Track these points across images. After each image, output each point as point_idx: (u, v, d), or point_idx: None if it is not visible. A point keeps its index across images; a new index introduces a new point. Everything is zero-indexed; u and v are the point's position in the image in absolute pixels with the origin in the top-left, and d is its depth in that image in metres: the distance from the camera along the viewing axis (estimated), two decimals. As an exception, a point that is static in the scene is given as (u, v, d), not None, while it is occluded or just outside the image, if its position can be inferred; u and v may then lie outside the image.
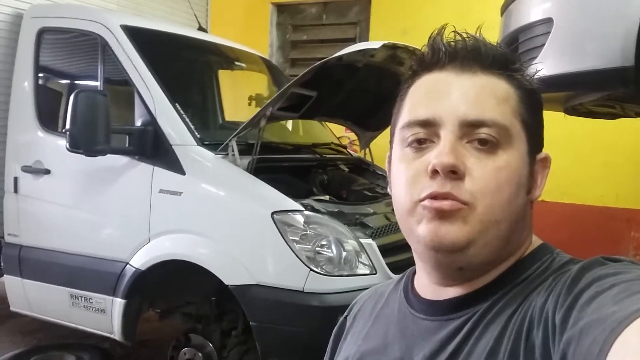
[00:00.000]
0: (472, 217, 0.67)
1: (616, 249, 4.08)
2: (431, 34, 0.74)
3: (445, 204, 0.67)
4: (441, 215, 0.67)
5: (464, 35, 0.72)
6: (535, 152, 0.73)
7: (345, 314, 0.94)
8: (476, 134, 0.68)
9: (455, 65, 0.71)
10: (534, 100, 0.73)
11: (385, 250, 2.68)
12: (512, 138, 0.69)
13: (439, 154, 0.67)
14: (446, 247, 0.67)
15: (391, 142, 0.78)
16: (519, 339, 0.63)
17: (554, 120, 2.67)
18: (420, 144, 0.70)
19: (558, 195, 4.31)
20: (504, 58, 0.73)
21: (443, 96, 0.70)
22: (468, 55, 0.71)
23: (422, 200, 0.68)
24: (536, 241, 0.76)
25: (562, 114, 2.38)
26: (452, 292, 0.73)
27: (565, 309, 0.58)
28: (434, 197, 0.67)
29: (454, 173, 0.66)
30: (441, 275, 0.73)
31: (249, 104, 4.02)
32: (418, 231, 0.69)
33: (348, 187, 3.26)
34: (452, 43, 0.72)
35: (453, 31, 0.73)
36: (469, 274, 0.71)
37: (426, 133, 0.70)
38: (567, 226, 4.15)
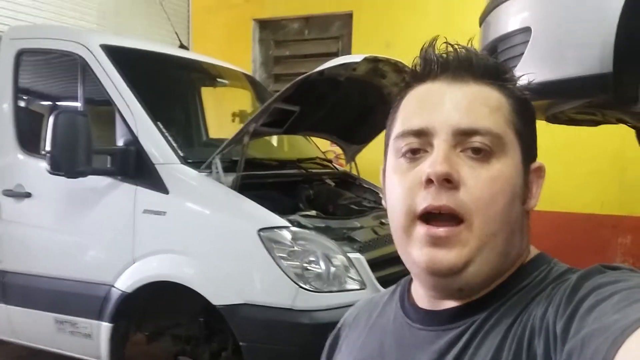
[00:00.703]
0: (469, 236, 0.66)
1: (603, 255, 4.09)
2: (423, 45, 0.74)
3: (440, 232, 0.66)
4: (437, 242, 0.67)
5: (456, 46, 0.72)
6: (529, 161, 0.72)
7: (340, 324, 0.92)
8: (469, 142, 0.67)
9: (448, 75, 0.71)
10: (526, 109, 0.73)
11: (374, 265, 2.66)
12: (506, 147, 0.69)
13: (432, 163, 0.66)
14: (443, 273, 0.67)
15: (385, 153, 0.77)
16: (520, 348, 0.62)
17: (539, 129, 2.70)
18: (414, 154, 0.70)
19: (546, 204, 4.32)
20: (496, 68, 0.73)
21: (436, 106, 0.70)
22: (460, 65, 0.71)
23: (419, 216, 0.68)
24: (533, 250, 0.75)
25: (545, 122, 2.41)
26: (449, 303, 0.73)
27: (566, 318, 0.57)
28: (429, 212, 0.67)
29: (449, 182, 0.66)
30: (439, 295, 0.73)
31: (233, 121, 4.01)
32: (413, 255, 0.69)
33: (335, 201, 3.25)
34: (444, 54, 0.72)
35: (445, 42, 0.73)
36: (468, 292, 0.70)
37: (420, 143, 0.70)
38: (555, 234, 4.16)
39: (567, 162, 4.27)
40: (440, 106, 0.69)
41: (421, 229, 0.68)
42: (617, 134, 2.95)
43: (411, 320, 0.76)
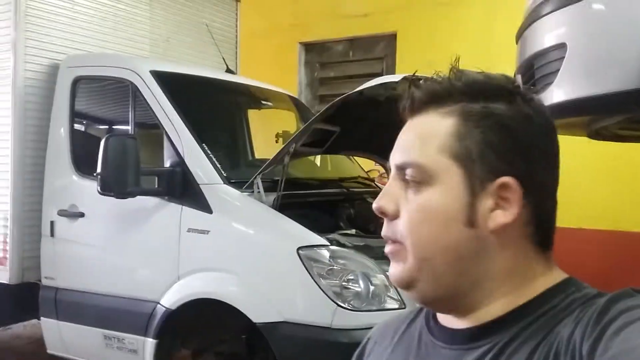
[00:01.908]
0: (407, 256, 0.71)
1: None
2: (409, 84, 0.78)
3: (387, 248, 0.74)
4: (390, 258, 0.74)
5: (437, 76, 0.73)
6: (486, 179, 0.69)
7: (366, 338, 0.93)
8: (404, 175, 0.72)
9: (412, 110, 0.75)
10: (482, 125, 0.69)
11: (413, 284, 2.63)
12: (435, 175, 0.70)
13: (376, 199, 0.75)
14: (398, 285, 0.74)
15: None
16: None
17: (588, 146, 2.63)
18: None
19: (598, 221, 4.18)
20: (469, 88, 0.71)
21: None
22: (423, 98, 0.73)
23: None
24: (560, 274, 0.73)
25: (594, 140, 2.34)
26: (469, 321, 0.73)
27: (593, 340, 0.57)
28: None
29: (385, 215, 0.73)
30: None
31: (277, 141, 4.07)
32: None
33: (375, 220, 3.24)
34: (420, 86, 0.74)
35: (434, 72, 0.75)
36: (447, 307, 0.75)
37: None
38: (606, 253, 4.01)
39: (621, 178, 4.13)
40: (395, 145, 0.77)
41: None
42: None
43: (435, 338, 0.77)
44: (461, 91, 0.71)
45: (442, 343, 0.75)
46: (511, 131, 0.70)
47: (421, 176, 0.70)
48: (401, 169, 0.73)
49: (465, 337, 0.72)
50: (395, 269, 0.73)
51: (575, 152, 3.36)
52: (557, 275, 0.73)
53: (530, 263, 0.72)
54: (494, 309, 0.71)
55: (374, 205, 0.74)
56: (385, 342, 0.86)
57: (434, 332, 0.78)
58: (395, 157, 0.74)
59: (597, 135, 2.10)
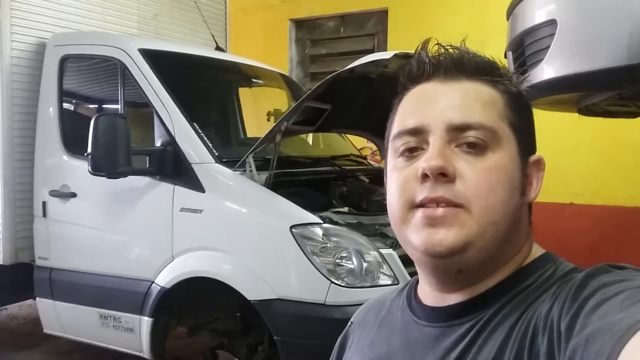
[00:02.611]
0: (469, 219, 0.67)
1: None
2: (416, 48, 0.76)
3: (438, 211, 0.67)
4: (434, 223, 0.68)
5: (448, 47, 0.74)
6: (527, 154, 0.73)
7: (350, 322, 0.94)
8: (464, 137, 0.69)
9: (440, 75, 0.73)
10: (521, 104, 0.74)
11: (406, 260, 2.66)
12: (500, 140, 0.69)
13: (427, 158, 0.68)
14: (442, 253, 0.68)
15: (385, 154, 0.80)
16: (523, 346, 0.62)
17: (581, 123, 2.65)
18: (412, 153, 0.72)
19: (589, 197, 4.22)
20: (488, 65, 0.74)
21: (429, 104, 0.71)
22: (451, 64, 0.73)
23: (416, 206, 0.69)
24: (538, 250, 0.75)
25: (584, 116, 2.35)
26: (453, 298, 0.74)
27: (571, 316, 0.57)
28: (426, 203, 0.68)
29: (444, 176, 0.67)
30: (440, 280, 0.74)
31: (268, 120, 4.06)
32: (412, 239, 0.70)
33: (368, 197, 3.26)
34: (437, 55, 0.74)
35: (437, 44, 0.75)
36: (468, 276, 0.71)
37: (416, 141, 0.71)
38: (599, 228, 4.05)
39: (611, 154, 4.15)
40: (433, 104, 0.71)
41: (419, 213, 0.69)
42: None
43: (417, 317, 0.78)
44: (488, 67, 0.74)
45: (424, 321, 0.76)
46: (531, 113, 0.76)
47: (489, 139, 0.69)
48: (459, 129, 0.69)
49: (447, 315, 0.73)
50: (447, 234, 0.67)
51: (566, 129, 3.38)
52: (535, 251, 0.75)
53: (527, 238, 0.75)
54: (485, 284, 0.72)
55: (432, 164, 0.67)
56: (368, 325, 0.87)
57: (416, 311, 0.79)
58: (450, 116, 0.69)
59: (587, 111, 2.11)
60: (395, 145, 0.74)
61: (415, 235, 0.69)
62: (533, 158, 0.74)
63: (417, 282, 0.82)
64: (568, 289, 0.62)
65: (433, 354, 0.71)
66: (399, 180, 0.72)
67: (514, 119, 0.72)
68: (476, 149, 0.68)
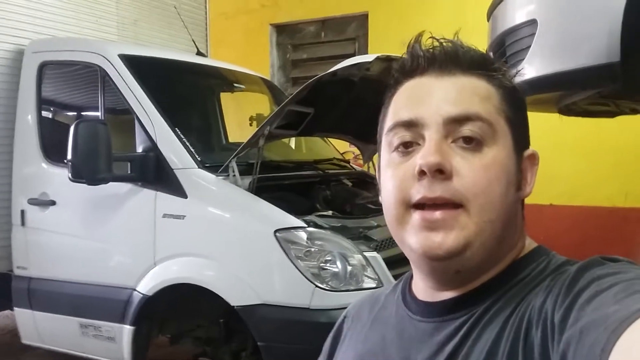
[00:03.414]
0: (468, 221, 0.66)
1: (628, 249, 4.01)
2: (409, 41, 0.74)
3: (436, 215, 0.67)
4: (431, 226, 0.67)
5: (442, 40, 0.73)
6: (522, 149, 0.73)
7: (343, 315, 0.93)
8: (460, 131, 0.68)
9: (435, 69, 0.72)
10: (516, 98, 0.74)
11: (390, 263, 2.66)
12: (497, 134, 0.69)
13: (424, 155, 0.67)
14: (441, 256, 0.67)
15: (378, 149, 0.78)
16: (518, 339, 0.62)
17: (561, 124, 2.67)
18: (407, 148, 0.71)
19: (569, 198, 4.27)
20: (483, 59, 0.73)
21: (425, 98, 0.70)
22: (446, 58, 0.72)
23: (413, 206, 0.68)
24: (531, 243, 0.75)
25: (566, 116, 2.38)
26: (448, 293, 0.73)
27: (565, 309, 0.57)
28: (423, 204, 0.67)
29: (441, 172, 0.66)
30: (437, 281, 0.73)
31: (250, 125, 4.04)
32: (410, 242, 0.69)
33: (351, 201, 3.25)
34: (431, 49, 0.73)
35: (430, 37, 0.74)
36: (466, 276, 0.71)
37: (411, 135, 0.70)
38: (578, 228, 4.10)
39: (590, 154, 4.21)
40: (429, 98, 0.70)
41: (416, 215, 0.68)
42: (639, 125, 2.90)
43: (412, 312, 0.77)
44: (483, 61, 0.73)
45: (418, 317, 0.76)
46: (525, 107, 0.76)
47: (486, 133, 0.68)
48: (456, 122, 0.68)
49: (441, 310, 0.73)
50: (446, 238, 0.66)
51: (547, 131, 3.42)
52: (528, 244, 0.75)
53: (521, 233, 0.75)
54: (480, 280, 0.71)
55: (430, 160, 0.65)
56: (362, 320, 0.87)
57: (410, 306, 0.78)
58: (447, 110, 0.68)
59: (568, 111, 2.13)
60: (389, 138, 0.73)
61: (413, 237, 0.69)
62: (527, 152, 0.74)
63: (412, 277, 0.82)
64: (562, 281, 0.62)
65: (427, 348, 0.71)
66: (394, 178, 0.71)
67: (509, 113, 0.71)
68: (473, 144, 0.68)
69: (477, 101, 0.69)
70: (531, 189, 0.74)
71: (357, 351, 0.82)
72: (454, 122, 0.68)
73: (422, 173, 0.67)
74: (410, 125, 0.70)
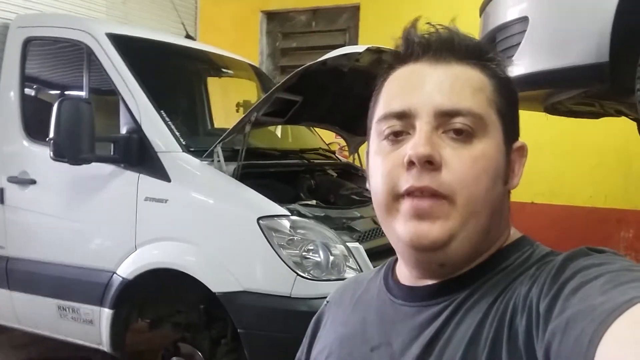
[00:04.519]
0: (452, 212, 0.67)
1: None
2: (405, 27, 0.74)
3: (424, 203, 0.67)
4: (420, 215, 0.67)
5: (438, 27, 0.73)
6: (512, 141, 0.73)
7: (326, 300, 0.93)
8: (451, 124, 0.68)
9: (429, 56, 0.71)
10: (508, 89, 0.73)
11: (372, 254, 2.66)
12: (488, 127, 0.69)
13: (414, 145, 0.66)
14: (426, 246, 0.68)
15: (368, 136, 0.78)
16: (502, 326, 0.62)
17: (544, 123, 2.70)
18: (397, 137, 0.70)
19: (549, 197, 4.31)
20: (478, 48, 0.73)
21: (417, 87, 0.70)
22: (441, 46, 0.71)
23: (401, 195, 0.68)
24: (515, 233, 0.75)
25: (549, 115, 2.39)
26: (432, 280, 0.73)
27: (550, 298, 0.57)
28: (411, 192, 0.67)
29: (430, 164, 0.66)
30: (422, 272, 0.73)
31: (237, 111, 4.02)
32: (397, 230, 0.69)
33: (336, 191, 3.25)
34: (426, 35, 0.72)
35: (427, 23, 0.73)
36: (450, 269, 0.71)
37: (402, 125, 0.70)
38: (557, 227, 4.15)
39: (571, 155, 4.25)
40: (421, 88, 0.69)
41: (406, 203, 0.68)
42: (622, 127, 2.94)
43: (394, 296, 0.77)
44: (479, 50, 0.72)
45: (400, 300, 0.76)
46: (517, 98, 0.75)
47: (476, 126, 0.68)
48: (447, 115, 0.68)
49: (424, 294, 0.73)
50: (432, 227, 0.67)
51: (529, 130, 3.45)
52: (512, 233, 0.75)
53: (507, 223, 0.75)
54: (464, 269, 0.71)
55: (420, 152, 0.65)
56: (344, 303, 0.87)
57: (393, 291, 0.78)
58: (439, 101, 0.68)
59: (553, 110, 2.14)
60: (379, 128, 0.72)
61: (402, 226, 0.69)
62: (516, 144, 0.74)
63: (396, 261, 0.82)
64: (547, 271, 0.62)
65: (408, 331, 0.71)
66: (383, 166, 0.70)
67: (501, 105, 0.71)
68: (463, 135, 0.68)
69: (469, 93, 0.69)
70: (518, 180, 0.74)
71: (338, 333, 0.82)
72: (445, 115, 0.68)
73: (411, 163, 0.67)
74: (402, 116, 0.70)
